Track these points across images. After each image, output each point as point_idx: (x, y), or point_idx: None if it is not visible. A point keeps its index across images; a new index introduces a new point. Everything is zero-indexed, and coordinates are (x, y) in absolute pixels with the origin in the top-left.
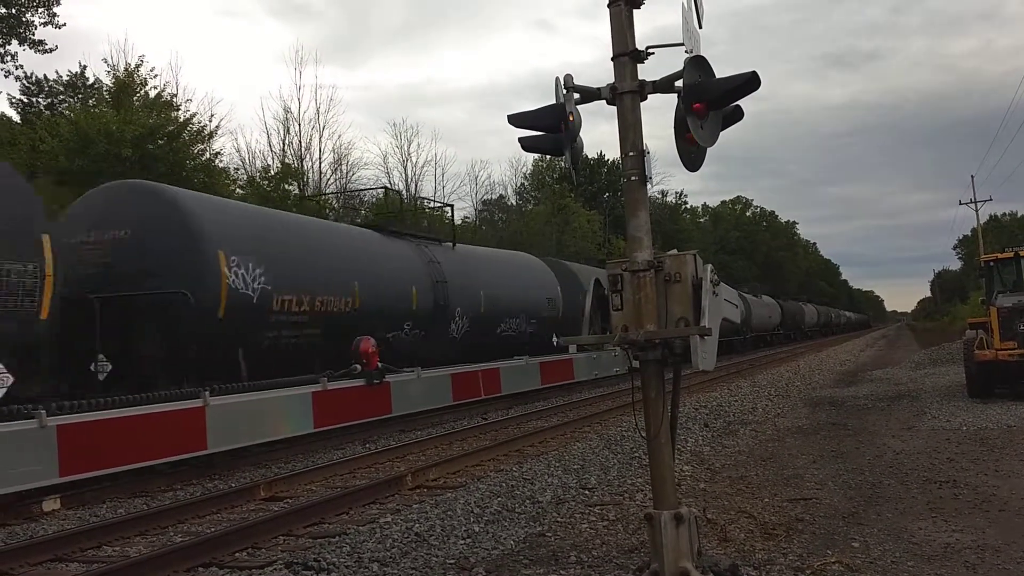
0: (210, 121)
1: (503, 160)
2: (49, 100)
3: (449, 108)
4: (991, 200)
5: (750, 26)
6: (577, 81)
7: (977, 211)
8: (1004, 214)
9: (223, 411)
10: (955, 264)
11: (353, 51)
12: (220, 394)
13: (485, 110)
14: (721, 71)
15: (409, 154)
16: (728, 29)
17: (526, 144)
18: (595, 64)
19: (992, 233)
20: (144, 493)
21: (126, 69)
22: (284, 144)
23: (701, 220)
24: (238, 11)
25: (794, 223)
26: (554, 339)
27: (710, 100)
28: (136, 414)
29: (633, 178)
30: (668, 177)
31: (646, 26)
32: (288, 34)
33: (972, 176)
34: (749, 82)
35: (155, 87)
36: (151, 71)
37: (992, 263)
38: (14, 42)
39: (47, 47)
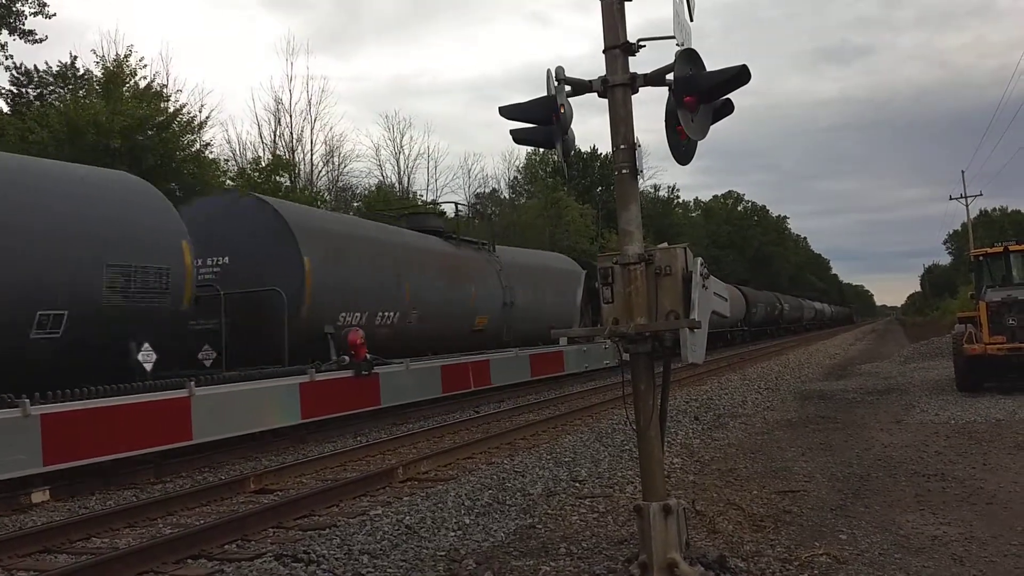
0: (200, 112)
1: (496, 153)
2: (39, 91)
3: (442, 100)
4: (981, 195)
5: (742, 19)
6: (570, 74)
7: (967, 206)
8: (994, 209)
9: (208, 401)
10: (945, 259)
11: (345, 41)
12: (205, 384)
13: (478, 102)
14: (713, 64)
15: (402, 147)
16: (720, 22)
17: (518, 136)
18: (588, 57)
19: (982, 228)
20: (133, 485)
21: (115, 59)
22: (275, 135)
23: (693, 214)
24: (229, 1)
25: (785, 217)
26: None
27: (700, 93)
28: (121, 404)
29: (624, 171)
30: (660, 171)
31: (638, 18)
32: (279, 24)
33: (963, 171)
34: (739, 75)
35: (145, 77)
36: (140, 61)
37: (982, 258)
38: (4, 32)
39: (37, 37)
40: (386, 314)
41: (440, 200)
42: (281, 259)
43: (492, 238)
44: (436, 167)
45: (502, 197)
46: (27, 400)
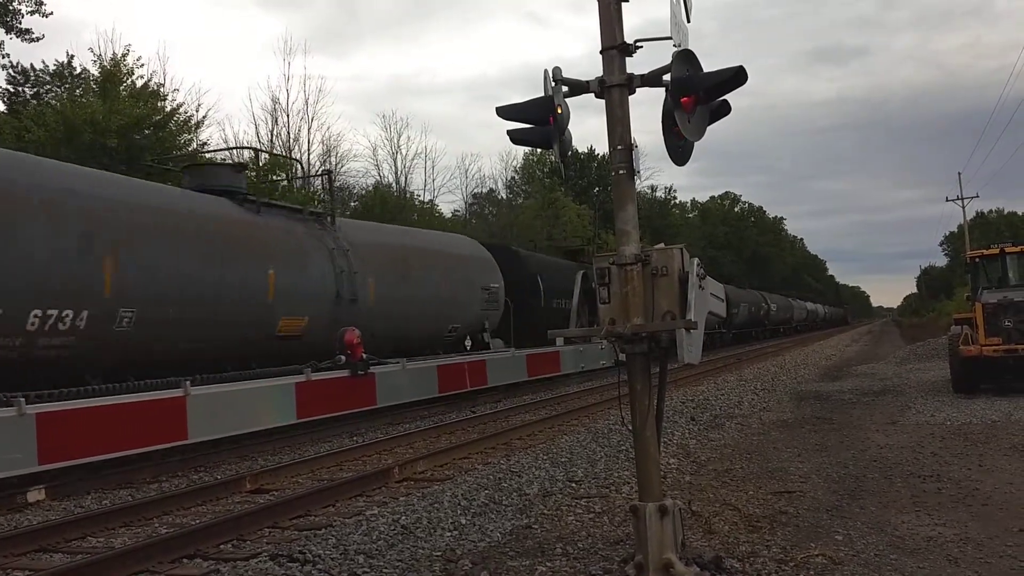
0: (197, 111)
1: (493, 153)
2: (36, 89)
3: (439, 100)
4: (978, 197)
5: (739, 20)
6: (567, 74)
7: (964, 208)
8: (991, 211)
9: (204, 401)
10: (941, 260)
11: (342, 41)
12: (201, 384)
13: (475, 102)
14: (709, 65)
15: (399, 146)
16: (717, 23)
17: (515, 136)
18: (585, 57)
19: (979, 229)
20: (129, 485)
21: (112, 58)
22: (272, 135)
23: (690, 215)
24: (227, 1)
25: (782, 219)
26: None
27: (697, 94)
28: (116, 403)
29: (621, 172)
30: (657, 172)
31: (635, 19)
32: (277, 23)
33: (959, 173)
34: (736, 76)
35: (142, 76)
36: (137, 60)
37: (978, 259)
38: (1, 31)
39: (34, 36)
40: (56, 314)
41: (437, 200)
42: None
43: (333, 207)
44: (433, 167)
45: (499, 197)
46: (22, 399)
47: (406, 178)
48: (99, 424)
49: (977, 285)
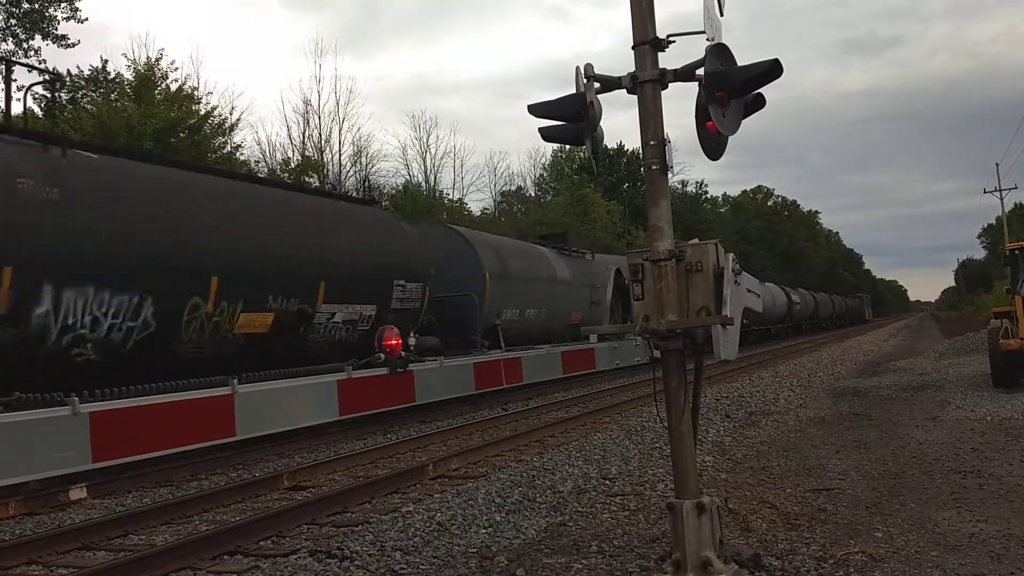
0: (231, 114)
1: (521, 151)
2: (71, 94)
3: (464, 98)
4: (1016, 188)
5: (768, 11)
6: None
7: (1002, 199)
8: None
9: (251, 398)
10: (980, 253)
11: (366, 41)
12: (248, 382)
13: (501, 99)
14: (739, 57)
15: (428, 146)
16: (745, 14)
17: (546, 134)
18: (609, 52)
19: (1017, 221)
20: (169, 483)
21: (146, 63)
22: (304, 137)
23: (722, 210)
24: (252, 3)
25: (816, 212)
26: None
27: (732, 88)
28: (167, 401)
29: (654, 167)
30: (689, 167)
31: (663, 12)
32: (302, 25)
33: (997, 164)
34: (771, 70)
35: (176, 80)
36: (171, 64)
37: (1017, 251)
38: (37, 37)
39: (69, 42)
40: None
41: (467, 199)
42: None
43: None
44: (462, 166)
45: (528, 195)
46: (76, 398)
47: (435, 177)
48: (151, 422)
49: (1016, 277)
